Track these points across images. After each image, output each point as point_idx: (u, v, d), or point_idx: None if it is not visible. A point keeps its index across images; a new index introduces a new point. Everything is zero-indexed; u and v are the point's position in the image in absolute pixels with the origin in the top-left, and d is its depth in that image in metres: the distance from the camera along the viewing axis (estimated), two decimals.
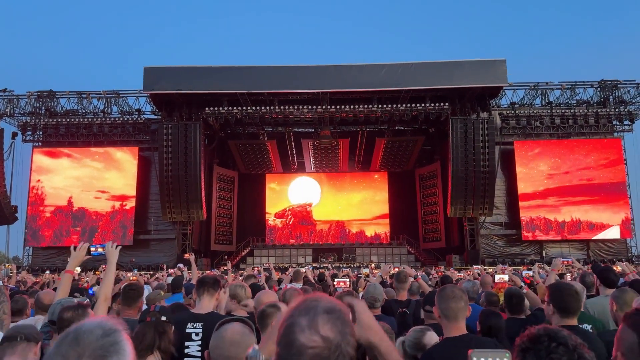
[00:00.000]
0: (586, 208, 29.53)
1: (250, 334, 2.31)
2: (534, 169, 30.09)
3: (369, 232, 35.11)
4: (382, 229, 35.13)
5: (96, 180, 30.76)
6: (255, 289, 4.97)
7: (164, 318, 2.96)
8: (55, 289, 5.51)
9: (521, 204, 29.61)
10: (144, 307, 5.60)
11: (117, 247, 3.39)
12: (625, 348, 1.85)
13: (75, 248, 3.84)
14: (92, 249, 3.35)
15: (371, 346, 1.44)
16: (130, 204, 30.31)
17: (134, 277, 8.68)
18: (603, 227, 29.27)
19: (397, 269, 7.58)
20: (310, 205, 36.02)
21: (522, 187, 29.76)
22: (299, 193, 36.22)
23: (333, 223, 35.44)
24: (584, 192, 29.76)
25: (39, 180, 30.36)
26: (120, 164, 30.97)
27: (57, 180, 30.56)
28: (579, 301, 3.20)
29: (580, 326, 3.60)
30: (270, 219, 35.49)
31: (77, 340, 1.12)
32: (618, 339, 1.91)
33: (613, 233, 29.24)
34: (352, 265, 26.69)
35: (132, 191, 30.40)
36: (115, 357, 1.13)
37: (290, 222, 35.79)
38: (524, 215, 29.49)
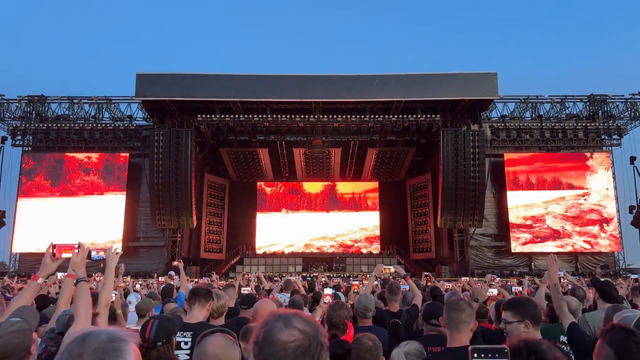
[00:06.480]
0: (570, 174, 30.33)
1: (233, 345, 2.31)
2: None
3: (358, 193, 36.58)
4: (372, 199, 36.18)
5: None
6: (251, 299, 4.95)
7: (159, 344, 2.86)
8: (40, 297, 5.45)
9: (507, 169, 30.16)
10: (134, 315, 5.55)
11: (118, 253, 3.39)
12: None
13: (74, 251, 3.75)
14: (93, 252, 3.32)
15: None
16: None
17: (122, 284, 8.58)
18: (582, 189, 30.09)
19: (390, 269, 7.55)
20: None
21: (509, 155, 30.45)
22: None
23: (321, 191, 36.62)
24: (569, 159, 30.68)
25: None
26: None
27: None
28: (539, 314, 3.21)
29: None
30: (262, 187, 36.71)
31: (84, 341, 1.21)
32: (596, 355, 1.93)
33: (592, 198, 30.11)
34: (342, 275, 26.62)
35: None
36: None
37: (281, 191, 36.64)
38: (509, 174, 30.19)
